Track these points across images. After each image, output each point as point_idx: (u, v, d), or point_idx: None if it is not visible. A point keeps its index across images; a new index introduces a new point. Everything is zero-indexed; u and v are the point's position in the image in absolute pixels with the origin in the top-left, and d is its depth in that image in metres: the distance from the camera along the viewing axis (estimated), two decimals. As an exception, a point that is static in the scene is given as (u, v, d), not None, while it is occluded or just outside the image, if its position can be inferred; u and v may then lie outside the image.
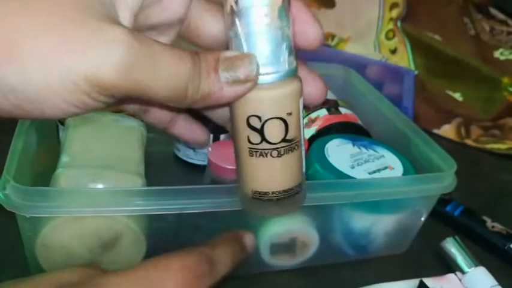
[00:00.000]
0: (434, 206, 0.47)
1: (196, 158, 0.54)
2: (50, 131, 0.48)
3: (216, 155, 0.47)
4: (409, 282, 0.41)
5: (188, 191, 0.35)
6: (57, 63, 0.21)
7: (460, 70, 0.79)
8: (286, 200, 0.29)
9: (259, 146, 0.27)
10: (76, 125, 0.41)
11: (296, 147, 0.28)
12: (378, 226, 0.45)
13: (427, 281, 0.41)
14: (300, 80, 0.27)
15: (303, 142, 0.29)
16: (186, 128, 0.34)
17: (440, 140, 0.68)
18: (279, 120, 0.27)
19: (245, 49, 0.26)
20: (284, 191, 0.29)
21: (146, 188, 0.37)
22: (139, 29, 0.26)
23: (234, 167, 0.46)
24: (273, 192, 0.29)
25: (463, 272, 0.43)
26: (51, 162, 0.38)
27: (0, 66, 0.21)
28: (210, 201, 0.36)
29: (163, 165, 0.55)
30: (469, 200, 0.54)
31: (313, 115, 0.54)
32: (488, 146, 0.68)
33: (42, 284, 0.25)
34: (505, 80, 0.78)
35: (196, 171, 0.53)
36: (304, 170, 0.30)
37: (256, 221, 0.41)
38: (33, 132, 0.41)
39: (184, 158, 0.55)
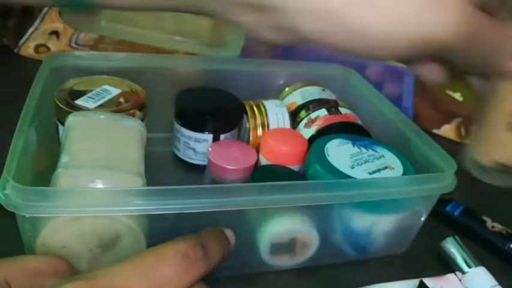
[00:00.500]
0: (434, 206, 0.47)
1: (196, 158, 0.54)
2: (50, 131, 0.48)
3: (216, 155, 0.47)
4: (409, 282, 0.41)
5: (188, 190, 0.35)
6: (411, 16, 0.25)
7: (460, 70, 0.79)
8: None
9: None
10: (76, 125, 0.41)
11: None
12: (378, 226, 0.45)
13: (427, 281, 0.41)
14: None
15: None
16: (427, 68, 0.35)
17: (440, 140, 0.68)
18: None
19: None
20: None
21: (146, 188, 0.37)
22: None
23: (234, 167, 0.47)
24: None
25: (463, 272, 0.43)
26: (51, 162, 0.38)
27: (357, 7, 0.24)
28: (210, 201, 0.36)
29: (163, 165, 0.55)
30: (469, 200, 0.54)
31: (313, 115, 0.54)
32: (488, 146, 0.68)
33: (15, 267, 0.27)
34: (505, 80, 0.78)
35: (196, 171, 0.53)
36: None
37: (256, 221, 0.41)
38: (33, 132, 0.41)
39: (185, 158, 0.55)
